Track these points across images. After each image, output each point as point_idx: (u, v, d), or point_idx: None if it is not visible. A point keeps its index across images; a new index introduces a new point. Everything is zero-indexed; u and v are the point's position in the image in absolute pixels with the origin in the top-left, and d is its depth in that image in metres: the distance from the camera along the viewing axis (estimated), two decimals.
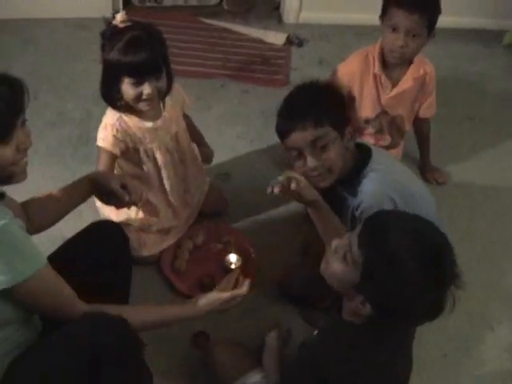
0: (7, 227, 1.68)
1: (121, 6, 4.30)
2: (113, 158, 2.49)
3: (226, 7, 4.57)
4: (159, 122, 2.55)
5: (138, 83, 2.35)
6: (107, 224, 2.42)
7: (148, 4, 4.51)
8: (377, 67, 2.84)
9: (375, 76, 2.85)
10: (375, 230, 1.69)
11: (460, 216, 3.00)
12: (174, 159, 2.68)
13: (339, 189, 2.31)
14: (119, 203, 2.26)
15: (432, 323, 2.50)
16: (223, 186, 3.08)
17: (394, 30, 2.68)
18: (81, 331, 1.79)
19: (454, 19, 4.37)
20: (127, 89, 2.36)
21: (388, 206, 2.14)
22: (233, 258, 2.69)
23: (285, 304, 2.62)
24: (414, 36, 2.67)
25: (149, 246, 2.72)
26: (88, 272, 1.99)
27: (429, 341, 2.51)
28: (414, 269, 1.60)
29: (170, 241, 2.77)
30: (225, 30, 4.32)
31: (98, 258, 2.13)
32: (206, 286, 2.60)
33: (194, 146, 2.84)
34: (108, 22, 2.36)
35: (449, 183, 3.23)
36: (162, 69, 2.39)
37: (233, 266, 2.66)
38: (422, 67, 2.89)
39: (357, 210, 2.21)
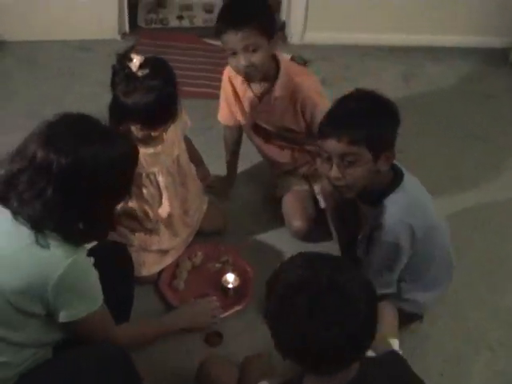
0: (85, 261, 1.88)
1: (127, 29, 4.36)
2: None
3: None
4: (161, 147, 2.58)
5: (147, 129, 2.41)
6: (112, 244, 2.46)
7: (154, 26, 4.56)
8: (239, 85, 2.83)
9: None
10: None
11: (459, 236, 2.97)
12: (175, 181, 2.70)
13: (360, 205, 2.32)
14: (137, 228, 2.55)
15: (430, 341, 2.53)
16: (222, 206, 3.10)
17: (234, 53, 2.58)
18: (85, 365, 1.90)
19: (459, 38, 4.39)
20: (136, 130, 2.40)
21: (406, 233, 2.14)
22: (230, 277, 2.69)
23: None
24: (254, 50, 2.56)
25: (148, 266, 2.72)
26: None
27: (426, 359, 2.49)
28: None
29: (168, 260, 2.79)
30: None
31: (103, 278, 2.14)
32: None
33: (192, 166, 2.86)
34: (122, 59, 2.33)
35: (448, 202, 3.20)
36: (174, 113, 2.42)
37: (230, 286, 2.67)
38: (290, 80, 2.73)
39: (375, 230, 2.19)
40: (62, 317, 1.87)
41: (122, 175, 1.90)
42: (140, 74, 2.30)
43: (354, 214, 2.38)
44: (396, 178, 2.20)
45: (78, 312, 1.89)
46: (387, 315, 2.22)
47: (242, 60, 2.56)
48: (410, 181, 2.22)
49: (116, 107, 2.38)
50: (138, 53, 2.36)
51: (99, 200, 1.84)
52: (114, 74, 2.36)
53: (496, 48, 4.41)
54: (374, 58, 4.31)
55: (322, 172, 2.22)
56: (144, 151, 2.52)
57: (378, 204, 2.19)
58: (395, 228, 2.14)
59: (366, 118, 2.07)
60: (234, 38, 2.53)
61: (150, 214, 2.65)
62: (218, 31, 2.59)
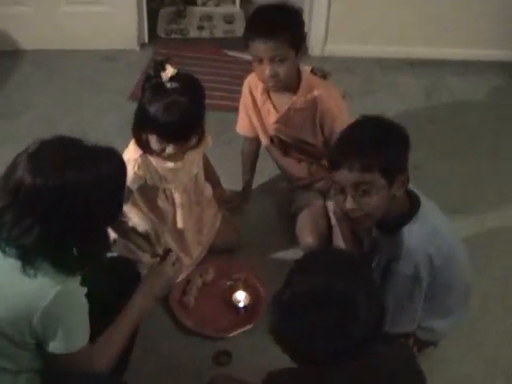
0: (74, 291, 1.80)
1: (146, 39, 4.34)
2: (129, 192, 2.47)
3: None
4: (181, 164, 2.54)
5: (162, 142, 2.37)
6: (120, 260, 2.47)
7: (174, 36, 4.51)
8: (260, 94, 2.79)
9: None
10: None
11: (475, 259, 2.79)
12: (190, 200, 2.67)
13: (375, 231, 2.25)
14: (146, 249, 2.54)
15: (443, 365, 2.46)
16: (236, 222, 3.05)
17: (260, 61, 2.55)
18: None
19: (483, 52, 4.31)
20: (153, 141, 2.38)
21: (424, 264, 2.07)
22: (240, 295, 2.65)
23: None
24: (280, 61, 2.53)
25: None
26: (98, 306, 1.96)
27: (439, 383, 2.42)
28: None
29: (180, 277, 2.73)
30: (249, 62, 4.26)
31: (110, 293, 2.13)
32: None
33: (208, 185, 2.84)
34: (159, 67, 2.33)
35: (467, 223, 3.07)
36: (192, 136, 2.40)
37: (240, 304, 2.63)
38: (311, 93, 2.71)
39: (392, 262, 2.12)
40: (51, 347, 1.82)
41: (113, 195, 1.84)
42: (169, 85, 2.30)
43: (369, 236, 2.32)
44: (413, 205, 2.13)
45: (65, 346, 1.82)
46: None
47: (268, 70, 2.54)
48: (427, 207, 2.15)
49: (139, 113, 2.38)
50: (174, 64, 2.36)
51: (91, 223, 1.79)
52: (146, 80, 2.36)
53: None
54: (395, 71, 4.23)
55: (337, 204, 2.17)
56: (163, 165, 2.51)
57: (395, 233, 2.12)
58: (413, 259, 2.07)
59: (376, 144, 2.02)
60: (262, 47, 2.51)
61: (161, 239, 2.64)
62: (246, 37, 2.58)
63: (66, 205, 1.70)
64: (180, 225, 2.65)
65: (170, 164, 2.51)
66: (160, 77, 2.30)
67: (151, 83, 2.33)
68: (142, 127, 2.38)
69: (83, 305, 1.84)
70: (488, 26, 4.24)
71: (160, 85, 2.30)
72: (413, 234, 2.08)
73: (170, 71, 2.30)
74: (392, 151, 2.02)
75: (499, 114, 3.95)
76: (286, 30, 2.52)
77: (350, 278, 1.60)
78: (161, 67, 2.32)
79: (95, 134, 3.52)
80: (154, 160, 2.49)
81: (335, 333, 1.54)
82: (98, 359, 1.94)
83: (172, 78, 2.30)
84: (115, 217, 1.93)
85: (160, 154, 2.43)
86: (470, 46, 4.30)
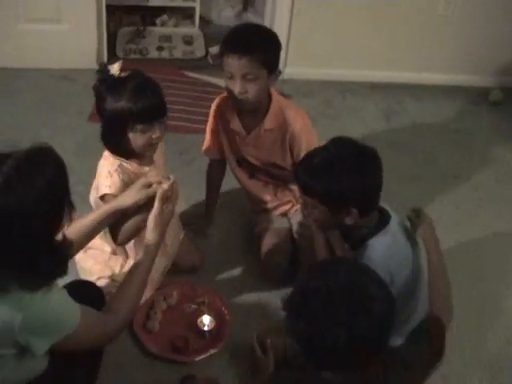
0: (41, 308, 1.74)
1: (105, 58, 4.30)
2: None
3: (210, 61, 4.56)
4: (153, 168, 2.54)
5: (147, 129, 2.36)
6: (85, 284, 2.40)
7: (133, 56, 4.49)
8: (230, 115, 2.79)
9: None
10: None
11: None
12: None
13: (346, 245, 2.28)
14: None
15: None
16: (200, 243, 3.03)
17: (231, 77, 2.56)
18: None
19: (441, 76, 4.41)
20: (136, 137, 2.37)
21: (386, 279, 2.05)
22: (206, 319, 2.61)
23: None
24: (251, 80, 2.54)
25: None
26: None
27: None
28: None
29: (146, 294, 2.67)
30: (209, 84, 4.30)
31: None
32: (179, 349, 2.54)
33: None
34: (103, 72, 2.35)
35: None
36: (166, 109, 2.42)
37: (206, 328, 2.59)
38: (281, 113, 2.73)
39: None
40: (42, 347, 1.78)
41: (59, 202, 1.76)
42: (123, 74, 2.33)
43: (342, 249, 2.34)
44: (382, 220, 2.17)
45: (54, 337, 1.80)
46: None
47: (238, 86, 2.54)
48: (395, 225, 2.18)
49: (110, 124, 2.38)
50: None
51: (36, 239, 1.70)
52: (100, 90, 2.35)
53: (476, 87, 4.42)
54: (355, 95, 4.28)
55: (303, 214, 2.19)
56: (142, 170, 2.51)
57: (360, 246, 2.15)
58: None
59: (339, 176, 2.07)
60: (235, 63, 2.52)
61: None
62: (221, 52, 2.60)
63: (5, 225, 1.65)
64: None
65: (146, 168, 2.52)
66: (112, 76, 2.33)
67: (105, 85, 2.33)
68: (119, 130, 2.37)
69: (59, 299, 1.81)
70: (445, 52, 4.35)
71: (114, 80, 2.32)
72: (376, 248, 2.13)
73: (116, 65, 2.34)
74: (350, 188, 2.09)
75: (456, 138, 4.02)
76: (261, 49, 2.54)
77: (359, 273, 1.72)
78: (106, 68, 2.35)
79: None
80: (131, 167, 2.48)
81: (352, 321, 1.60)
82: (112, 320, 2.00)
83: (121, 70, 2.35)
84: (58, 226, 1.80)
85: (148, 146, 2.42)
86: (428, 71, 4.41)
